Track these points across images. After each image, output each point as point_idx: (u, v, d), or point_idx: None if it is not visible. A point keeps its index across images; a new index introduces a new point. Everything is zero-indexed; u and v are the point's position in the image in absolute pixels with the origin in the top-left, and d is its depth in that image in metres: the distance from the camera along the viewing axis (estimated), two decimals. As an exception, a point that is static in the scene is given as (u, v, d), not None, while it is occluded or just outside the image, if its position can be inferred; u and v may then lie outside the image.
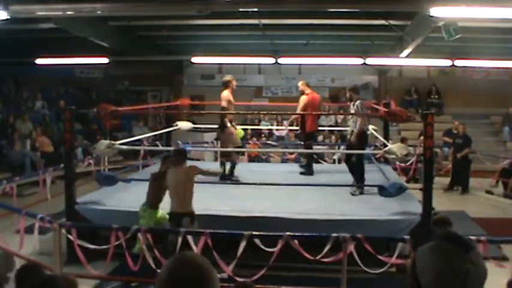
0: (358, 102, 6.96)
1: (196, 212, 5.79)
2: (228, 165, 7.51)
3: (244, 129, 10.84)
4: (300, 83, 8.62)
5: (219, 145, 10.05)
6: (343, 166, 6.76)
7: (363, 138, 6.98)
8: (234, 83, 7.62)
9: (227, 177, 7.42)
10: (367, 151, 9.57)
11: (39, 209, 6.84)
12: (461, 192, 10.39)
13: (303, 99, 8.30)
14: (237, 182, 7.29)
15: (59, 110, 13.28)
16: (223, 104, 7.39)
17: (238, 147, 7.73)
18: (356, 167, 7.02)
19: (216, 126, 8.06)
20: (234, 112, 7.93)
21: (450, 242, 1.22)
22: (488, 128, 14.31)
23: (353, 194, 6.81)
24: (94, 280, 5.18)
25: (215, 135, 12.73)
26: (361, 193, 6.85)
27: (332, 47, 12.79)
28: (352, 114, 7.12)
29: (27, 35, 10.83)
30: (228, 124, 7.43)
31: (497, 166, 10.88)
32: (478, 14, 6.65)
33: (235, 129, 7.74)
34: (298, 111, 8.39)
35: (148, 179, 5.78)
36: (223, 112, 7.40)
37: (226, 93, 7.43)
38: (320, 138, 13.36)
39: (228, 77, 7.70)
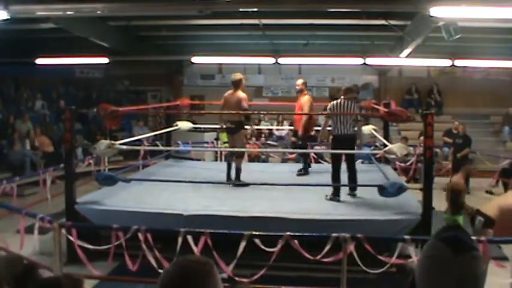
0: (333, 102, 6.50)
1: (197, 212, 5.81)
2: (233, 167, 7.35)
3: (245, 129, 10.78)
4: (300, 82, 8.14)
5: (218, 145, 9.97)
6: (343, 166, 6.71)
7: (334, 142, 6.55)
8: (244, 82, 7.38)
9: (237, 182, 7.21)
10: (366, 151, 9.62)
11: (39, 209, 6.84)
12: (461, 192, 10.37)
13: (309, 100, 7.91)
14: (246, 184, 7.14)
15: (59, 110, 13.29)
16: (245, 104, 7.11)
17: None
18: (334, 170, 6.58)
19: (217, 126, 7.99)
20: (234, 112, 7.89)
21: (442, 241, 1.20)
22: (488, 128, 14.31)
23: (326, 197, 6.45)
24: (94, 280, 5.18)
25: (215, 135, 12.76)
26: (338, 200, 6.42)
27: (332, 47, 12.79)
28: (345, 114, 6.96)
29: (27, 35, 10.83)
30: (247, 126, 7.34)
31: (497, 166, 10.87)
32: (478, 14, 6.65)
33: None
34: (306, 112, 7.83)
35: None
36: (220, 112, 7.29)
37: (243, 94, 7.18)
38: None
39: (238, 76, 7.33)
